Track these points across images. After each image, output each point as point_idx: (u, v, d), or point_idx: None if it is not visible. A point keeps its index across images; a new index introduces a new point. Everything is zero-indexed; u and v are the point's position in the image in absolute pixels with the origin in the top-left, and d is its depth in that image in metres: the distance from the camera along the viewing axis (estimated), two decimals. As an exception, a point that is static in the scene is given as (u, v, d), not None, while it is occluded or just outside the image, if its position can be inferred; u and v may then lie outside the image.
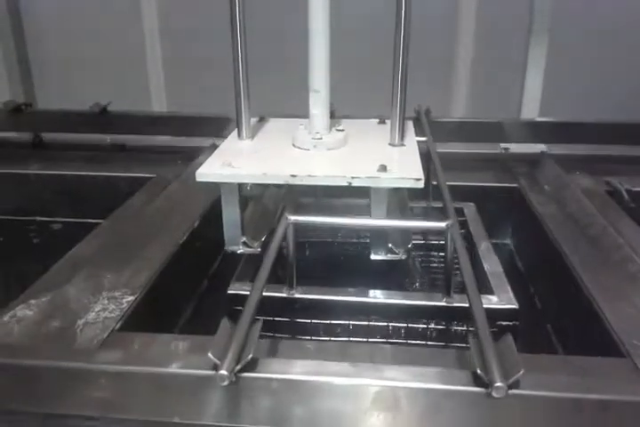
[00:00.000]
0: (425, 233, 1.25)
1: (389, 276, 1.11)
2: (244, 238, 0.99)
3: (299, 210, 1.03)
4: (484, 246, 1.11)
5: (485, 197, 1.39)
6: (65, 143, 1.47)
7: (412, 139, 1.08)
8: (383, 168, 0.90)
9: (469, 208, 1.28)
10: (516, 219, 1.41)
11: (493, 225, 1.32)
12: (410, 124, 1.14)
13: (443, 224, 0.84)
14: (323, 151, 1.01)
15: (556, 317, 1.08)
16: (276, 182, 0.94)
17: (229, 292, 0.97)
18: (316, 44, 0.97)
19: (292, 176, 0.91)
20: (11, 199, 1.41)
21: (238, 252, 0.99)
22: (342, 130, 1.06)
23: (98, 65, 2.10)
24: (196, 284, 1.18)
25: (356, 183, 0.89)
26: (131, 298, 0.88)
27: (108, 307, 0.86)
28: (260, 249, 1.00)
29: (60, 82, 2.14)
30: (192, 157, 1.45)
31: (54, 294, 0.90)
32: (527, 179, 1.45)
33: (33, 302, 0.87)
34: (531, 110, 1.83)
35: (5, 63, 2.10)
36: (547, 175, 1.46)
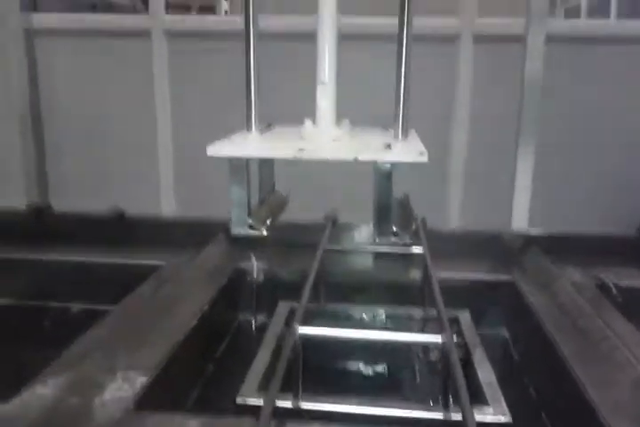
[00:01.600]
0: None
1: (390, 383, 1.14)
2: (250, 221, 0.99)
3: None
4: (479, 355, 1.15)
5: (481, 289, 1.46)
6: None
7: (414, 136, 1.14)
8: (388, 146, 0.95)
9: (464, 316, 1.34)
10: (510, 310, 1.47)
11: (489, 315, 1.38)
12: (413, 131, 1.19)
13: (438, 340, 0.88)
14: (329, 140, 1.05)
15: (550, 405, 1.11)
16: (284, 157, 0.96)
17: (238, 402, 0.96)
18: (324, 37, 1.03)
19: (300, 150, 0.94)
20: (24, 284, 1.47)
21: (242, 233, 0.98)
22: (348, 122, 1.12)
23: (111, 162, 2.25)
24: (204, 365, 1.21)
25: (361, 158, 0.93)
26: (144, 378, 0.93)
27: (122, 386, 0.90)
28: (265, 233, 1.01)
29: (75, 178, 2.27)
30: (199, 248, 1.53)
31: (71, 373, 0.94)
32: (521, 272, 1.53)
33: (50, 380, 0.92)
34: (521, 220, 1.93)
35: (24, 159, 2.23)
36: (539, 268, 1.54)
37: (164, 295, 1.29)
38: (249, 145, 0.99)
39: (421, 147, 0.99)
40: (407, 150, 0.97)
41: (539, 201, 1.93)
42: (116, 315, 1.20)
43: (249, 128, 1.11)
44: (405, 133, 1.09)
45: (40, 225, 1.55)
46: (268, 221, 1.03)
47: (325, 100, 1.05)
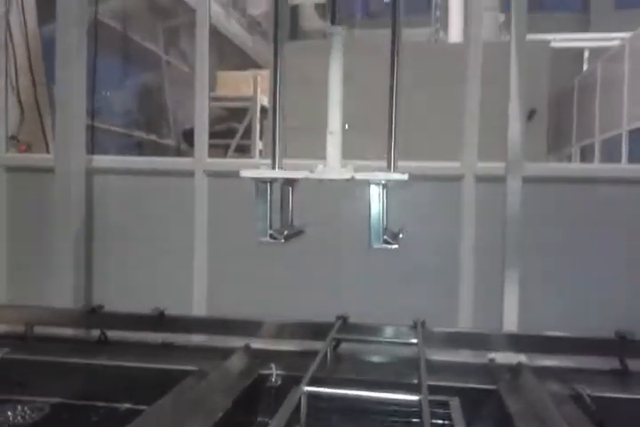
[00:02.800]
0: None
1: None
2: (271, 231, 1.24)
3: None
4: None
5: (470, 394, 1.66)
6: (125, 342, 1.81)
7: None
8: (379, 171, 1.25)
9: (454, 402, 1.54)
10: (494, 414, 1.65)
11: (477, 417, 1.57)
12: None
13: (415, 397, 1.10)
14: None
15: None
16: (298, 176, 1.29)
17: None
18: (333, 93, 1.35)
19: (310, 172, 1.27)
20: (74, 386, 1.70)
21: (264, 240, 1.24)
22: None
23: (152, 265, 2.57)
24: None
25: (357, 177, 1.25)
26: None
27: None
28: (283, 240, 1.26)
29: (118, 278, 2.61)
30: (227, 355, 1.77)
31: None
32: (506, 383, 1.72)
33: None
34: (511, 323, 2.16)
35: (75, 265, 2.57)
36: (522, 380, 1.74)
37: (193, 398, 1.51)
38: (271, 173, 1.33)
39: (406, 174, 1.29)
40: (393, 174, 1.29)
41: (527, 308, 2.18)
42: (152, 414, 1.41)
43: (273, 166, 1.41)
44: (396, 166, 1.38)
45: (94, 322, 1.81)
46: (285, 232, 1.30)
47: (333, 147, 1.37)
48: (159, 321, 1.76)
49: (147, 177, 2.78)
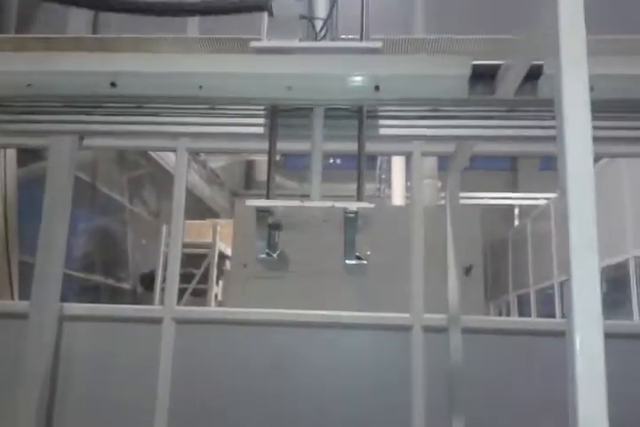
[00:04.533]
0: None
1: None
2: (267, 250, 1.51)
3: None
4: None
5: None
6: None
7: None
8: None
9: None
10: None
11: None
12: None
13: None
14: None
15: None
16: (290, 205, 1.52)
17: None
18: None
19: (301, 202, 1.50)
20: None
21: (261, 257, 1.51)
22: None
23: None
24: None
25: (336, 205, 1.48)
26: None
27: None
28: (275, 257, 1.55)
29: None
30: None
31: None
32: None
33: None
34: None
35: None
36: None
37: None
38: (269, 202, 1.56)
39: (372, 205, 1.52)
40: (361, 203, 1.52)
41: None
42: None
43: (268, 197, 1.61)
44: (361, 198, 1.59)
45: None
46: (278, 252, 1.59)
47: (315, 187, 1.61)
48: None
49: (114, 324, 2.94)
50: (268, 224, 1.58)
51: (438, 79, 1.39)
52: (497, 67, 1.39)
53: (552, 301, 6.26)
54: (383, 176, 7.41)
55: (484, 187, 8.49)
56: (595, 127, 0.93)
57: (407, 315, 2.75)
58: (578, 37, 0.98)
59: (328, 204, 1.53)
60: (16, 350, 2.75)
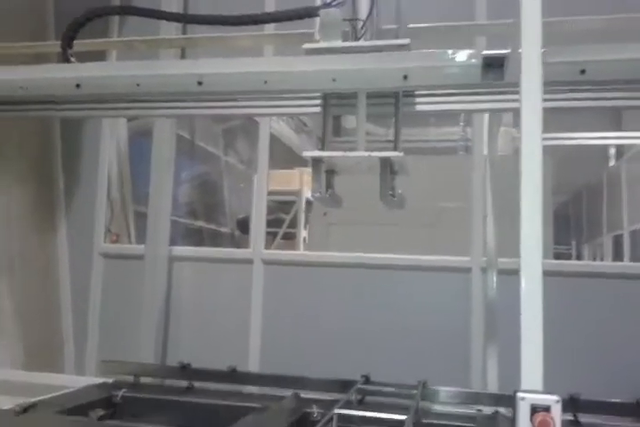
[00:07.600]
0: None
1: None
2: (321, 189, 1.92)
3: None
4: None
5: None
6: (207, 389, 2.43)
7: None
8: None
9: None
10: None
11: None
12: None
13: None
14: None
15: None
16: (335, 155, 1.91)
17: None
18: None
19: (344, 152, 1.90)
20: (170, 417, 2.31)
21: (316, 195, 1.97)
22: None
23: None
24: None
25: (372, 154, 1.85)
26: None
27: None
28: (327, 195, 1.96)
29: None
30: (280, 399, 2.35)
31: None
32: None
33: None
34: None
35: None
36: None
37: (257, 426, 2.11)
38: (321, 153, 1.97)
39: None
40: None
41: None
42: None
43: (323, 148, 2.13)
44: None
45: (185, 375, 2.42)
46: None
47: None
48: (231, 375, 2.38)
49: (213, 264, 3.50)
50: (325, 171, 1.95)
51: (454, 68, 1.70)
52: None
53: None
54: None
55: (584, 126, 8.27)
56: None
57: (468, 258, 3.11)
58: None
59: (365, 154, 1.87)
60: (135, 284, 3.38)
